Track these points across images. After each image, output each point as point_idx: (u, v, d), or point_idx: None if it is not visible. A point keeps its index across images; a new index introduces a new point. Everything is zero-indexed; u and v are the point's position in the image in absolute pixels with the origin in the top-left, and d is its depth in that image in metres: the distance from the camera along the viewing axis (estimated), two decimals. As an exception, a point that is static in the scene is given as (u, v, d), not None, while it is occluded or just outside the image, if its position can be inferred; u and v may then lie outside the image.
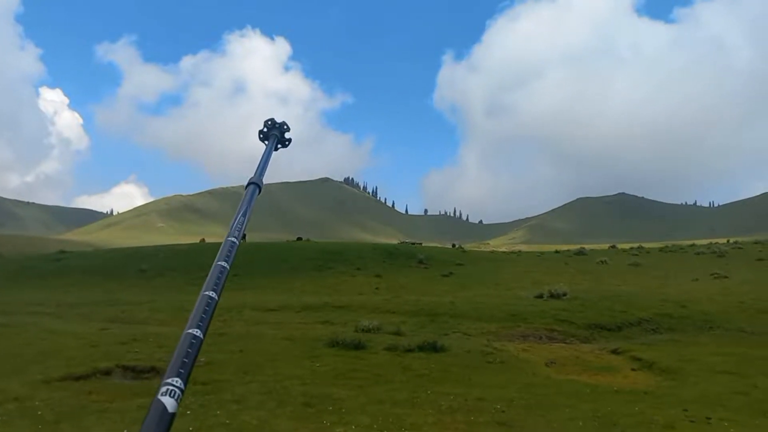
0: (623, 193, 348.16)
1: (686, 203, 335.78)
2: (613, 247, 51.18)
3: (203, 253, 38.09)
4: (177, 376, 0.92)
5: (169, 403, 0.88)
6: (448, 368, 8.94)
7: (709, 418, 6.18)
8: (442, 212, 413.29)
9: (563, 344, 12.48)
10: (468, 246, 74.22)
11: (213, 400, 6.60)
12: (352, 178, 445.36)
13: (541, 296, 18.50)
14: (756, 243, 47.50)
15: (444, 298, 19.59)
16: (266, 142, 1.85)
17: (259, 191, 1.57)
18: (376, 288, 24.92)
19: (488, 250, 57.96)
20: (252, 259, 32.88)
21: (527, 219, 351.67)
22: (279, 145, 1.88)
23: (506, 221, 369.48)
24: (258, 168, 1.67)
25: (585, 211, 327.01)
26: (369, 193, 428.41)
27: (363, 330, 12.12)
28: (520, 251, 57.29)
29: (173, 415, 0.88)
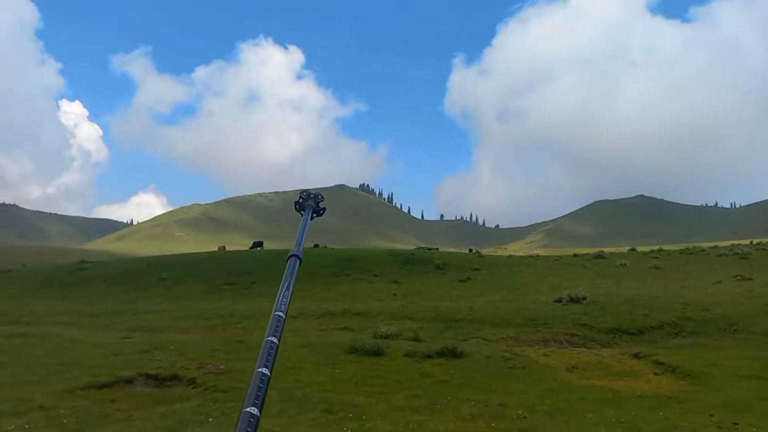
0: (642, 196, 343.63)
1: (707, 204, 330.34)
2: (633, 249, 50.49)
3: (223, 261, 38.42)
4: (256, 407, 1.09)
5: None
6: (468, 374, 8.89)
7: (736, 424, 6.06)
8: (458, 217, 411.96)
9: (584, 349, 12.33)
10: (485, 251, 73.81)
11: (234, 408, 6.64)
12: (368, 185, 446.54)
13: (560, 300, 18.32)
14: (780, 244, 46.51)
15: (462, 303, 19.50)
16: (302, 212, 1.95)
17: (300, 263, 1.61)
18: (394, 294, 24.89)
19: (506, 254, 57.59)
20: (269, 266, 33.07)
21: (544, 223, 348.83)
22: (314, 214, 1.97)
23: (523, 226, 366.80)
24: (297, 240, 1.73)
25: (603, 215, 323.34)
26: (385, 199, 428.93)
27: (382, 336, 12.10)
28: (538, 255, 56.79)
29: None
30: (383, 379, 8.27)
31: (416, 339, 12.14)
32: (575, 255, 45.47)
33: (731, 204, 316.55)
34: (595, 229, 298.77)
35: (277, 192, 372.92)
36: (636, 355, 11.01)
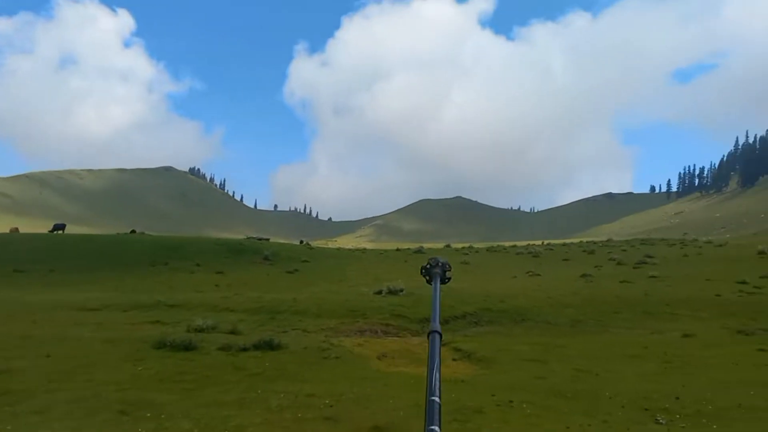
0: (460, 197, 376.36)
1: (512, 208, 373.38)
2: (448, 246, 55.10)
3: (15, 245, 33.24)
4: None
5: None
6: (283, 366, 8.91)
7: (512, 402, 6.97)
8: (293, 208, 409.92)
9: (396, 338, 13.13)
10: (316, 243, 74.57)
11: (7, 413, 5.81)
12: (198, 169, 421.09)
13: (380, 292, 19.25)
14: (564, 245, 54.57)
15: (287, 294, 19.47)
16: (427, 278, 1.94)
17: (441, 338, 1.51)
18: (216, 285, 23.94)
19: (335, 247, 58.84)
20: (74, 253, 29.58)
21: (374, 218, 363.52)
22: (442, 283, 1.93)
23: (354, 220, 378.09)
24: (433, 315, 1.65)
25: (427, 212, 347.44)
26: (216, 185, 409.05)
27: (196, 330, 11.57)
28: (365, 249, 59.04)
29: None
30: (192, 375, 7.91)
31: (234, 332, 11.82)
32: (398, 249, 48.23)
33: (531, 209, 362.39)
34: (419, 225, 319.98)
35: (91, 170, 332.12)
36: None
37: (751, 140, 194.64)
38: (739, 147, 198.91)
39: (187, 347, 9.56)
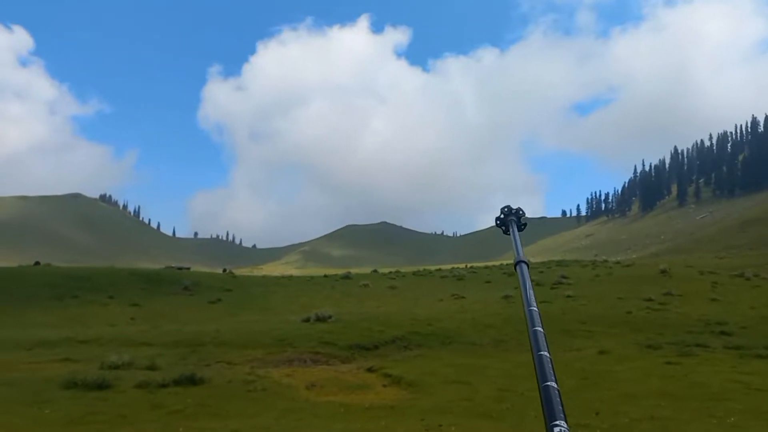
0: (385, 222, 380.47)
1: (435, 233, 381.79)
2: (375, 271, 55.29)
3: None
4: (562, 419, 1.07)
5: None
6: (205, 401, 8.50)
7: (441, 425, 7.03)
8: (214, 236, 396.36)
9: (326, 366, 12.92)
10: (240, 271, 72.36)
11: None
12: (110, 196, 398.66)
13: (308, 320, 18.92)
14: (486, 267, 56.33)
15: (209, 326, 18.68)
16: (503, 228, 2.03)
17: (528, 267, 1.71)
18: (132, 318, 22.60)
19: (260, 275, 57.37)
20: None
21: (301, 244, 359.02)
22: (519, 229, 2.00)
23: (280, 246, 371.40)
24: (516, 250, 1.81)
25: (353, 238, 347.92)
26: (130, 212, 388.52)
27: (110, 366, 10.81)
28: (291, 276, 57.97)
29: None
30: (105, 416, 7.36)
31: (152, 367, 11.16)
32: (325, 276, 47.78)
33: (453, 233, 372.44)
34: (346, 251, 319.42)
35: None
36: (369, 369, 11.98)
37: (647, 168, 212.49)
38: (638, 175, 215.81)
39: (101, 386, 8.90)
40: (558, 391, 1.16)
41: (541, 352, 1.31)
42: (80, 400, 8.17)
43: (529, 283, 1.60)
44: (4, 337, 15.96)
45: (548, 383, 1.18)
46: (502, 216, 2.07)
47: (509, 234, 2.01)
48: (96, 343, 14.85)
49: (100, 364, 10.98)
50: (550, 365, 1.26)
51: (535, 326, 1.40)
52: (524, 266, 1.72)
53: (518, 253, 1.79)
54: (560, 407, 1.10)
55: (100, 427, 6.88)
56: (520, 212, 2.07)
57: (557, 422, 1.06)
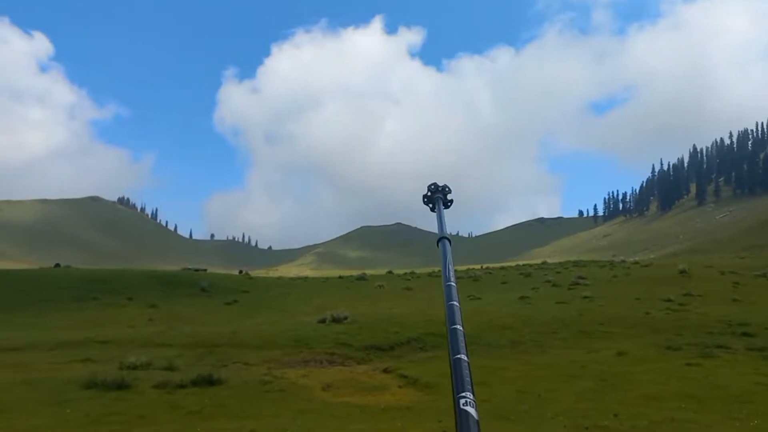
0: (400, 224, 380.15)
1: (451, 233, 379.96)
2: (390, 272, 55.28)
3: None
4: (468, 391, 1.10)
5: (473, 412, 1.06)
6: (223, 402, 8.55)
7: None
8: (230, 237, 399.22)
9: (342, 367, 12.94)
10: (256, 272, 72.84)
11: None
12: (128, 198, 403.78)
13: (323, 321, 18.99)
14: (502, 269, 55.99)
15: (225, 327, 18.83)
16: (430, 206, 2.06)
17: (450, 243, 1.77)
18: (150, 319, 22.86)
19: (276, 276, 57.70)
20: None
21: (316, 245, 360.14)
22: (444, 207, 2.03)
23: (296, 247, 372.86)
24: (440, 226, 1.89)
25: (368, 239, 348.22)
26: (148, 214, 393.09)
27: (129, 367, 10.95)
28: (306, 277, 58.22)
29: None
30: (124, 416, 7.45)
31: (170, 368, 11.28)
32: (340, 277, 47.89)
33: (469, 234, 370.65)
34: (361, 252, 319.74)
35: (9, 201, 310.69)
36: (385, 370, 11.96)
37: (665, 168, 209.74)
38: (656, 174, 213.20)
39: (120, 386, 9.02)
40: (468, 363, 1.22)
41: (455, 326, 1.35)
42: (100, 400, 8.27)
43: (449, 259, 1.67)
44: (26, 338, 16.24)
45: (459, 356, 1.24)
46: (428, 193, 2.09)
47: (435, 211, 2.04)
48: (115, 344, 15.04)
49: (119, 364, 11.12)
50: (462, 339, 1.30)
51: (451, 300, 1.45)
52: (446, 242, 1.78)
53: (442, 230, 1.86)
54: (469, 379, 1.17)
55: (120, 427, 6.96)
56: (446, 189, 2.09)
57: (464, 393, 1.12)
